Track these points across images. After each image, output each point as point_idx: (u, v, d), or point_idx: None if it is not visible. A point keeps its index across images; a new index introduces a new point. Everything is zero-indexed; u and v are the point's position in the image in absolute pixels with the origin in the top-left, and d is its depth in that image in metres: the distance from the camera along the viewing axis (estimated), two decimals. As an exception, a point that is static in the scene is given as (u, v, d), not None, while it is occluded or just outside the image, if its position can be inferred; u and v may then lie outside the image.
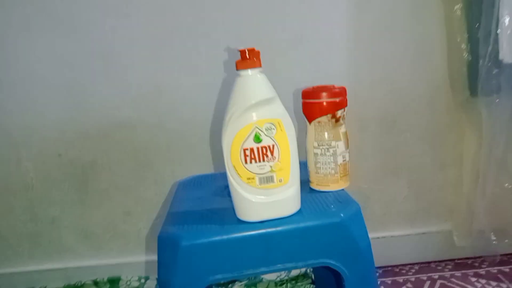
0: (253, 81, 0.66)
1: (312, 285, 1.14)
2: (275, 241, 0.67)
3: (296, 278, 1.18)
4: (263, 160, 0.66)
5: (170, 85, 1.11)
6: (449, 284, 1.12)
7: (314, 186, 0.80)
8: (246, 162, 0.66)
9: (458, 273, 1.16)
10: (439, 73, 1.11)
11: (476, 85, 1.03)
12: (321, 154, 0.77)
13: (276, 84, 0.68)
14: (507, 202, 1.10)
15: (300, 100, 0.79)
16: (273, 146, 0.66)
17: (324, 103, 0.75)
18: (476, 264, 1.20)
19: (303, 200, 0.72)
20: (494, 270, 1.16)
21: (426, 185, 1.19)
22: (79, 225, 1.20)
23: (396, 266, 1.23)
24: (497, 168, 1.06)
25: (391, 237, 1.22)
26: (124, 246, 1.22)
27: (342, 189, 0.79)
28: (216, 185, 0.89)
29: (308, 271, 1.19)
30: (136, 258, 1.23)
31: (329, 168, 0.77)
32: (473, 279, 1.13)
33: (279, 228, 0.67)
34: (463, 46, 1.04)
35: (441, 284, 1.13)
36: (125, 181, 1.17)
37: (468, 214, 1.13)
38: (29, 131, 1.13)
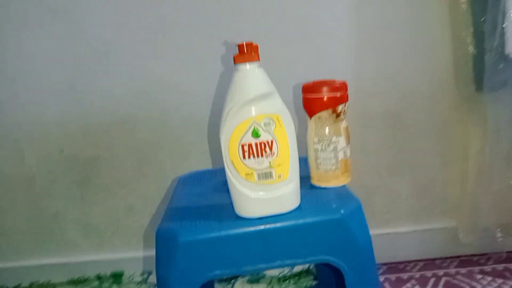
0: (251, 76, 0.65)
1: (314, 281, 1.14)
2: (274, 238, 0.66)
3: (298, 274, 1.17)
4: (262, 156, 0.66)
5: (171, 80, 1.10)
6: (454, 281, 1.11)
7: (314, 182, 0.79)
8: (244, 157, 0.66)
9: (463, 270, 1.15)
10: (444, 67, 1.09)
11: (481, 79, 1.02)
12: (322, 150, 0.76)
13: (276, 79, 0.68)
14: (512, 199, 1.09)
15: (301, 95, 0.78)
16: (271, 141, 0.65)
17: (325, 98, 0.74)
18: (482, 261, 1.19)
19: (303, 196, 0.71)
20: (500, 267, 1.15)
21: (430, 181, 1.18)
22: (81, 220, 1.21)
23: (401, 263, 1.22)
24: (503, 164, 1.05)
25: (396, 234, 1.21)
26: (127, 241, 1.23)
27: (343, 185, 0.78)
28: (216, 181, 0.89)
29: (310, 267, 1.18)
30: (138, 253, 1.23)
31: (329, 164, 0.76)
32: (479, 276, 1.12)
33: (278, 225, 0.66)
34: (468, 40, 1.02)
35: (446, 281, 1.12)
36: (127, 177, 1.17)
37: (473, 210, 1.12)
38: (31, 127, 1.13)
